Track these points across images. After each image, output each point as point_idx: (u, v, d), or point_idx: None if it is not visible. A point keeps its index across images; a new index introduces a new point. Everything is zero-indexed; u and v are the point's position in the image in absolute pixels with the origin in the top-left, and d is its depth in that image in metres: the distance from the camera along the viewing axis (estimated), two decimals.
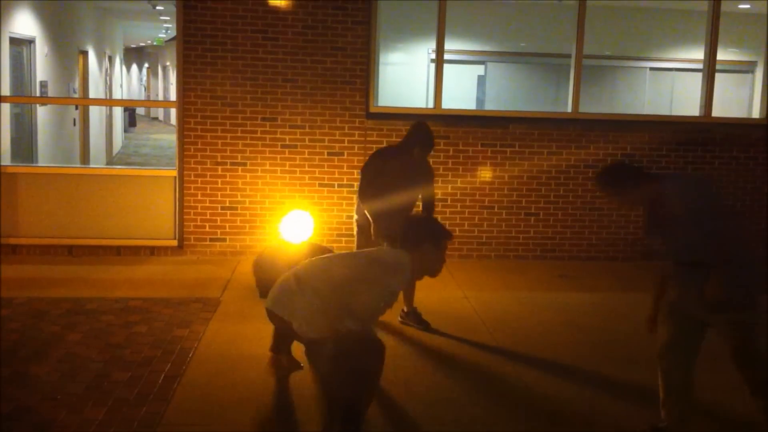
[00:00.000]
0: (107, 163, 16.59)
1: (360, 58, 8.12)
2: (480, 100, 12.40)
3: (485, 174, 8.39)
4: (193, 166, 8.12)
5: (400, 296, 6.14)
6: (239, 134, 8.11)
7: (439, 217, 8.28)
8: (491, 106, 12.17)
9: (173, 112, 8.85)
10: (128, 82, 29.76)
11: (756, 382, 4.14)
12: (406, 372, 5.09)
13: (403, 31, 11.70)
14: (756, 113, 9.43)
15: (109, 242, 8.12)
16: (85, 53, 14.58)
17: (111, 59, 19.20)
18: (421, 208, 6.23)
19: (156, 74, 35.20)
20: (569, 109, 8.61)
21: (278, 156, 8.16)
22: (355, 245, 6.32)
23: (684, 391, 4.24)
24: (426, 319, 6.02)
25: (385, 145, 8.21)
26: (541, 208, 8.48)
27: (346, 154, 8.19)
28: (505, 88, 12.55)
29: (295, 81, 8.09)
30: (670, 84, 12.78)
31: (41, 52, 10.76)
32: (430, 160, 6.25)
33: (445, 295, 6.58)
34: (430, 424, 4.46)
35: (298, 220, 6.99)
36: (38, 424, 4.27)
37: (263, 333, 5.83)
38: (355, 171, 8.19)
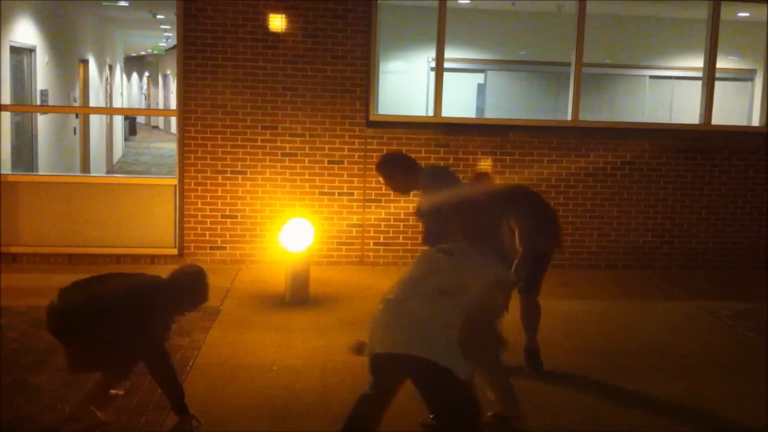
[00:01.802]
0: (107, 172, 16.59)
1: (360, 66, 8.14)
2: (480, 109, 12.41)
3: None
4: (193, 174, 8.12)
5: None
6: (239, 142, 8.11)
7: None
8: (491, 114, 12.17)
9: (173, 120, 8.86)
10: (129, 90, 29.80)
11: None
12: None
13: (403, 40, 11.72)
14: (756, 121, 9.44)
15: (109, 251, 8.12)
16: (85, 62, 14.60)
17: (111, 68, 19.23)
18: None
19: (156, 83, 35.27)
20: (569, 117, 8.62)
21: (278, 164, 8.17)
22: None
23: (505, 378, 4.58)
24: None
25: (384, 152, 8.22)
26: None
27: (346, 162, 8.19)
28: (505, 96, 12.56)
29: (296, 89, 8.10)
30: (670, 92, 12.80)
31: (42, 60, 10.77)
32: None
33: None
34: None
35: (298, 228, 6.99)
36: None
37: (263, 342, 5.84)
38: (356, 179, 8.19)
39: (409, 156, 4.93)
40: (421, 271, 3.78)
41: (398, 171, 4.68)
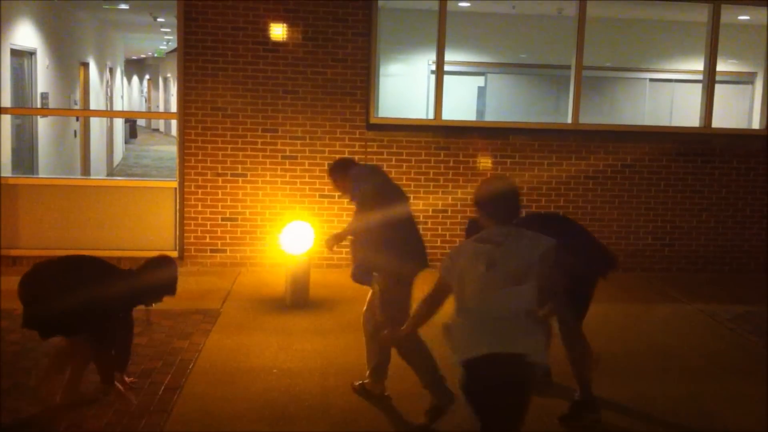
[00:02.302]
0: (108, 175, 16.60)
1: (360, 69, 8.14)
2: (480, 111, 12.42)
3: None
4: (193, 177, 8.13)
5: None
6: (240, 145, 8.12)
7: (439, 229, 8.33)
8: (491, 117, 12.18)
9: (174, 123, 8.86)
10: (129, 93, 29.82)
11: None
12: (409, 383, 5.08)
13: (404, 43, 11.73)
14: (756, 124, 9.44)
15: (109, 253, 8.08)
16: (86, 65, 14.62)
17: (112, 71, 19.25)
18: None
19: (157, 86, 35.27)
20: (569, 120, 8.62)
21: (279, 167, 8.17)
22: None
23: (432, 370, 4.67)
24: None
25: (384, 156, 8.23)
26: None
27: None
28: (505, 99, 12.57)
29: (296, 92, 8.10)
30: (670, 95, 12.80)
31: (42, 63, 10.78)
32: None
33: (446, 306, 6.56)
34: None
35: (298, 230, 6.99)
36: None
37: (263, 345, 5.84)
38: None
39: (348, 161, 5.18)
40: (482, 266, 3.50)
41: (337, 174, 5.04)
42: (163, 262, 4.67)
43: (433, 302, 3.68)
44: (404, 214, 4.93)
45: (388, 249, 4.71)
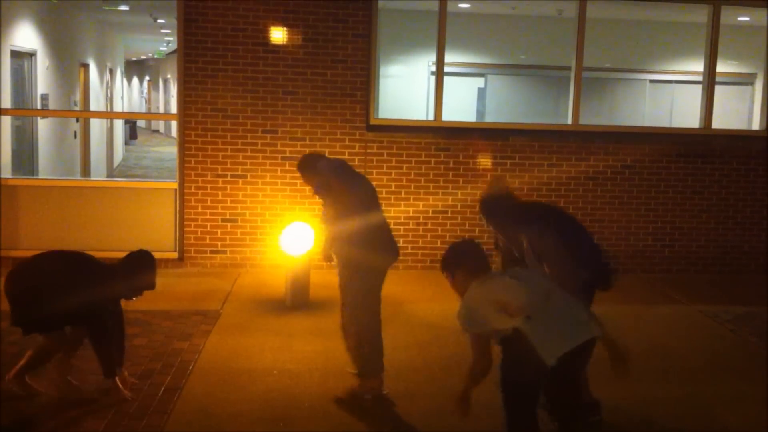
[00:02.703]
0: (108, 176, 16.60)
1: (360, 70, 8.14)
2: (480, 113, 12.42)
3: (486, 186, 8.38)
4: (193, 178, 8.13)
5: None
6: (240, 146, 8.12)
7: (439, 230, 8.33)
8: (491, 118, 12.18)
9: (174, 124, 8.86)
10: (129, 94, 29.84)
11: None
12: (410, 383, 5.07)
13: (404, 44, 11.74)
14: (756, 125, 9.44)
15: (109, 255, 7.98)
16: (86, 66, 14.63)
17: (112, 72, 19.25)
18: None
19: (157, 87, 35.28)
20: (569, 121, 8.63)
21: (279, 168, 8.17)
22: None
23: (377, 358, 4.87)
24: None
25: (385, 157, 8.24)
26: None
27: None
28: (505, 101, 12.57)
29: (296, 93, 8.11)
30: (670, 96, 12.80)
31: (42, 64, 10.79)
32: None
33: (447, 306, 6.54)
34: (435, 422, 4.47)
35: (298, 231, 6.99)
36: None
37: (263, 346, 5.84)
38: None
39: (316, 156, 5.27)
40: (508, 279, 3.88)
41: (305, 169, 5.09)
42: (142, 256, 4.76)
43: (482, 356, 3.81)
44: (373, 206, 4.97)
45: (357, 242, 4.78)
